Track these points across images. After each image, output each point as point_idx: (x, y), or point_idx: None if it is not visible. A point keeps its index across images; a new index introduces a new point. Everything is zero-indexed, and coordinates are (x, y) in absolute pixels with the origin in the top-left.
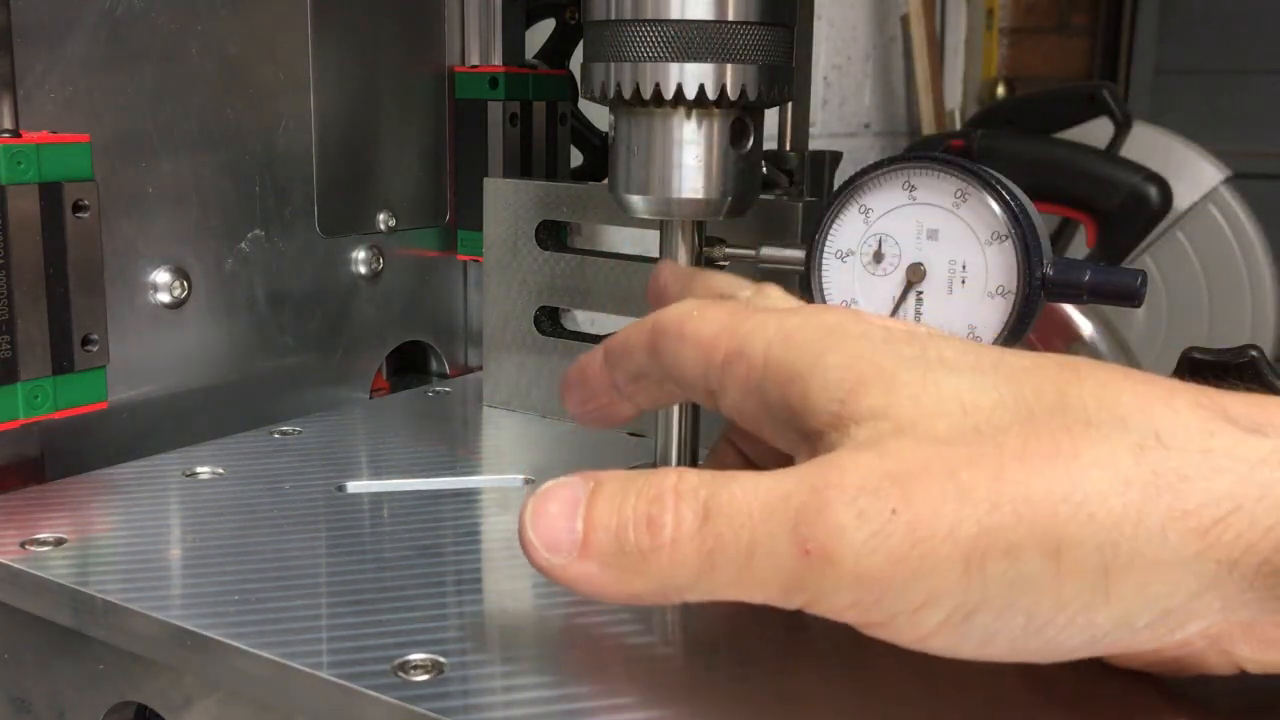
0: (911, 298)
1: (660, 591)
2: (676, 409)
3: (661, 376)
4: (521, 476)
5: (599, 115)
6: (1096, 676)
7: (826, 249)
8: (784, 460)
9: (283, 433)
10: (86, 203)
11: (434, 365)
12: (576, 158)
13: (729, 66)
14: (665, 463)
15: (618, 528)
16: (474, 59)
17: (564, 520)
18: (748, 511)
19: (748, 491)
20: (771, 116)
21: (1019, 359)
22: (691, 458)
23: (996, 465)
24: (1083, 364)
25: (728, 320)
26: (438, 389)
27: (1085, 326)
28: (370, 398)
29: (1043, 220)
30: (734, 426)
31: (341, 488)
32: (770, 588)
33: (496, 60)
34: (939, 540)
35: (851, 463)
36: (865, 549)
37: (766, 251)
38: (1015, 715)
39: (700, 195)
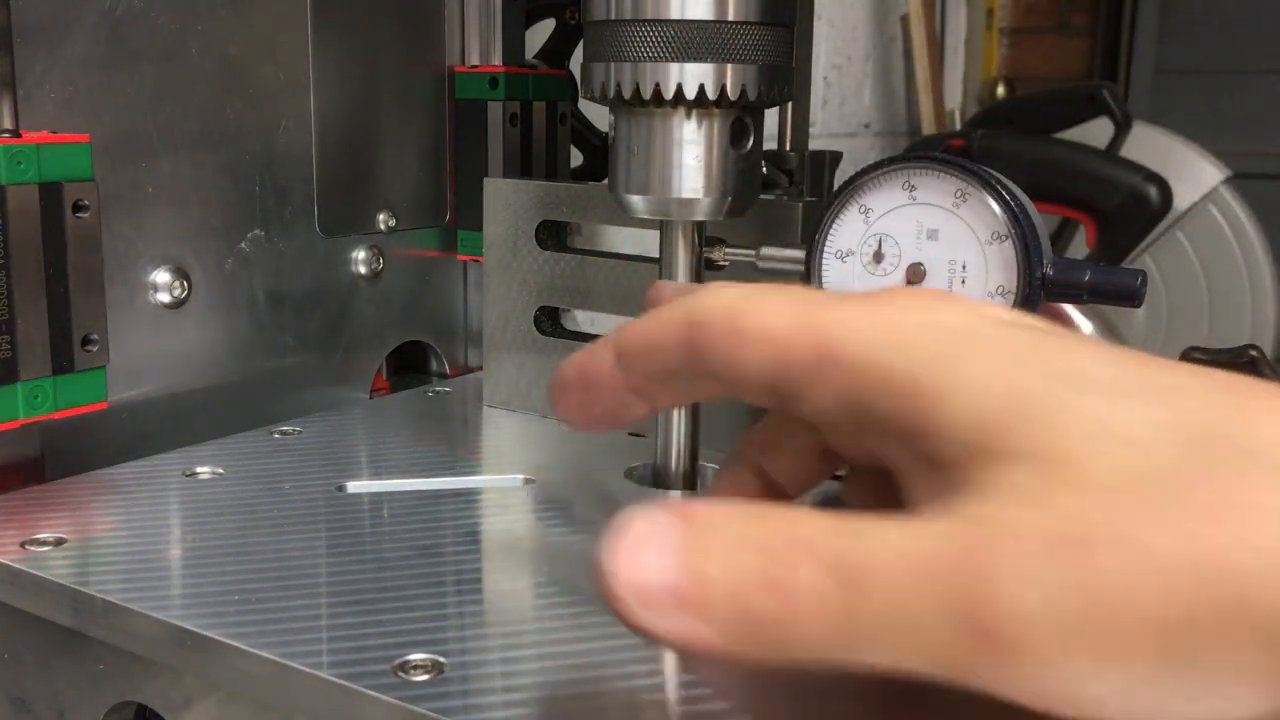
0: None
1: (793, 662)
2: (676, 408)
3: (702, 376)
4: (521, 476)
5: (599, 115)
6: None
7: (826, 249)
8: (816, 472)
9: (283, 433)
10: (86, 203)
11: (434, 365)
12: (576, 158)
13: (729, 66)
14: (665, 463)
15: (734, 587)
16: (474, 59)
17: (660, 571)
18: (889, 574)
19: (888, 548)
20: (771, 116)
21: (1160, 372)
22: (691, 458)
23: (1176, 521)
24: (1233, 383)
25: (801, 311)
26: (438, 389)
27: (1085, 326)
28: (370, 398)
29: (1043, 220)
30: (766, 436)
31: (341, 488)
32: (922, 664)
33: (496, 60)
34: (1132, 620)
35: (1015, 521)
36: (1044, 631)
37: (766, 251)
38: None
39: (700, 195)
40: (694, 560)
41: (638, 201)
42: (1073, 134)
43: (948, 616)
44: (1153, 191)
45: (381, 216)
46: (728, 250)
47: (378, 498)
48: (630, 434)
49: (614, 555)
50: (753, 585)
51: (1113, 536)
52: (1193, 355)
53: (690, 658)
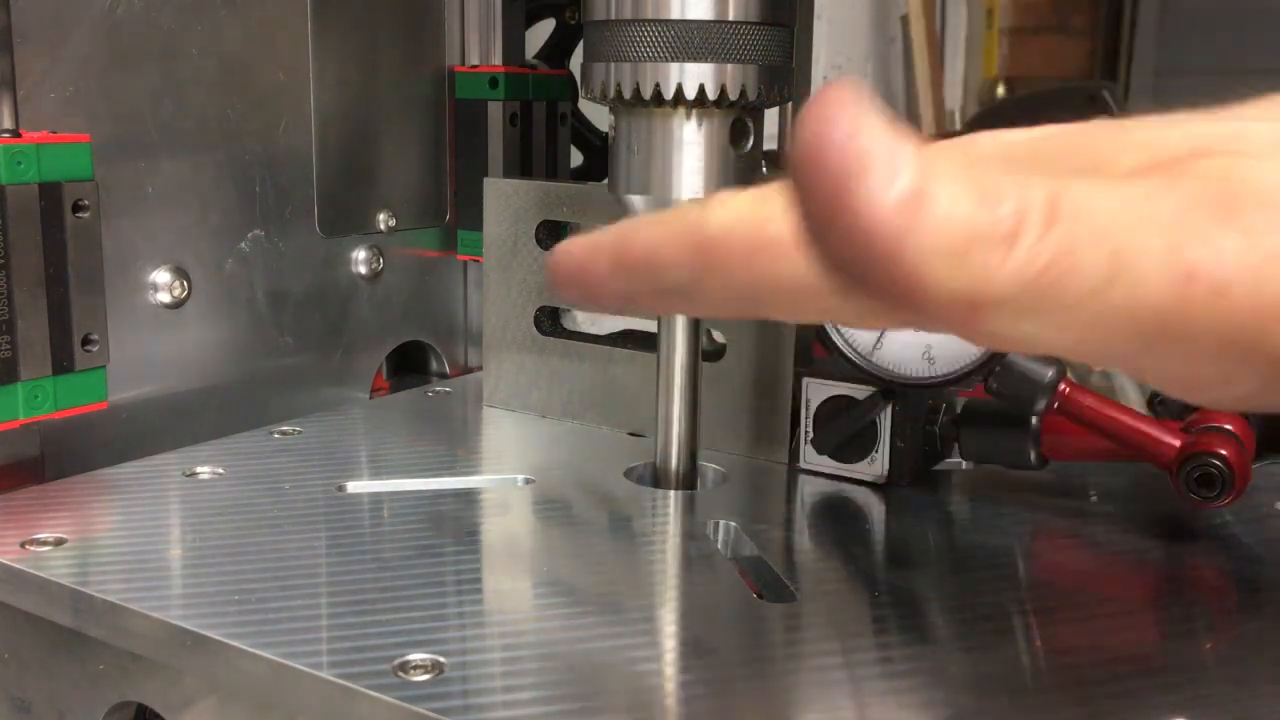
0: None
1: (975, 304)
2: (676, 406)
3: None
4: (521, 476)
5: (599, 115)
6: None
7: None
8: None
9: (283, 433)
10: (86, 203)
11: (434, 365)
12: (576, 158)
13: (729, 66)
14: (665, 463)
15: (957, 196)
16: (474, 59)
17: (888, 149)
18: (1111, 215)
19: (1099, 192)
20: (771, 116)
21: None
22: (691, 459)
23: None
24: None
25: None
26: (438, 389)
27: None
28: (370, 398)
29: None
30: None
31: (341, 488)
32: (1118, 329)
33: (496, 60)
34: None
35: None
36: (1263, 273)
37: None
38: (1009, 707)
39: (700, 195)
40: (927, 165)
41: (638, 201)
42: None
43: (1165, 264)
44: None
45: (381, 216)
46: None
47: (378, 498)
48: (630, 434)
49: (833, 121)
50: (976, 205)
51: None
52: None
53: (879, 275)
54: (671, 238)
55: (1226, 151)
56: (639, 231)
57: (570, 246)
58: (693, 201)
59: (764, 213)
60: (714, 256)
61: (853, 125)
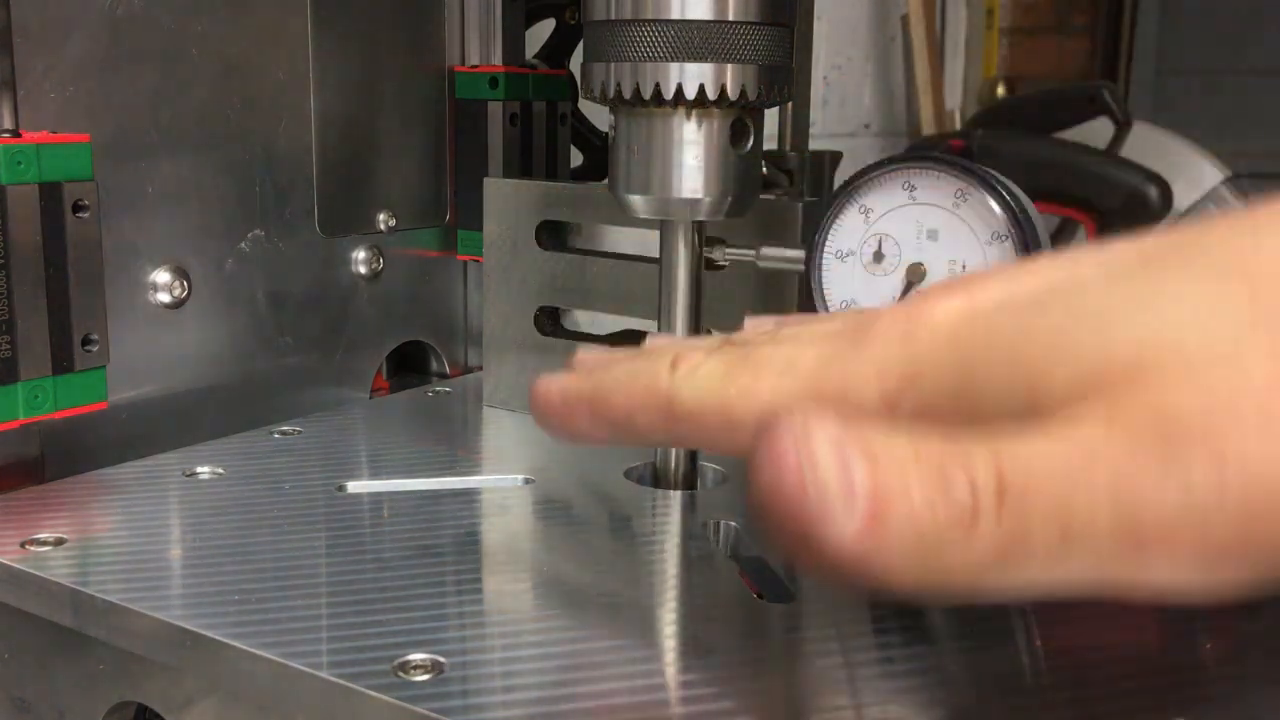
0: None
1: (945, 586)
2: None
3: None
4: (521, 476)
5: (599, 115)
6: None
7: (826, 249)
8: None
9: (283, 433)
10: (86, 203)
11: (434, 365)
12: (576, 158)
13: (729, 66)
14: (665, 463)
15: (912, 502)
16: (474, 59)
17: (839, 480)
18: (1051, 484)
19: (1040, 458)
20: (771, 116)
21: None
22: (691, 459)
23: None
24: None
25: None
26: (438, 389)
27: None
28: (370, 398)
29: (1043, 220)
30: None
31: (341, 488)
32: (1082, 576)
33: (496, 60)
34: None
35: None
36: (1206, 517)
37: (766, 251)
38: (1003, 702)
39: (700, 195)
40: (876, 474)
41: (638, 201)
42: (1073, 134)
43: (1110, 519)
44: (1153, 191)
45: (381, 216)
46: (728, 250)
47: (378, 498)
48: None
49: (785, 450)
50: (928, 502)
51: (1242, 411)
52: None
53: (856, 579)
54: (644, 406)
55: (1159, 370)
56: (614, 394)
57: (550, 389)
58: (656, 352)
59: (733, 390)
60: (686, 428)
61: (806, 461)
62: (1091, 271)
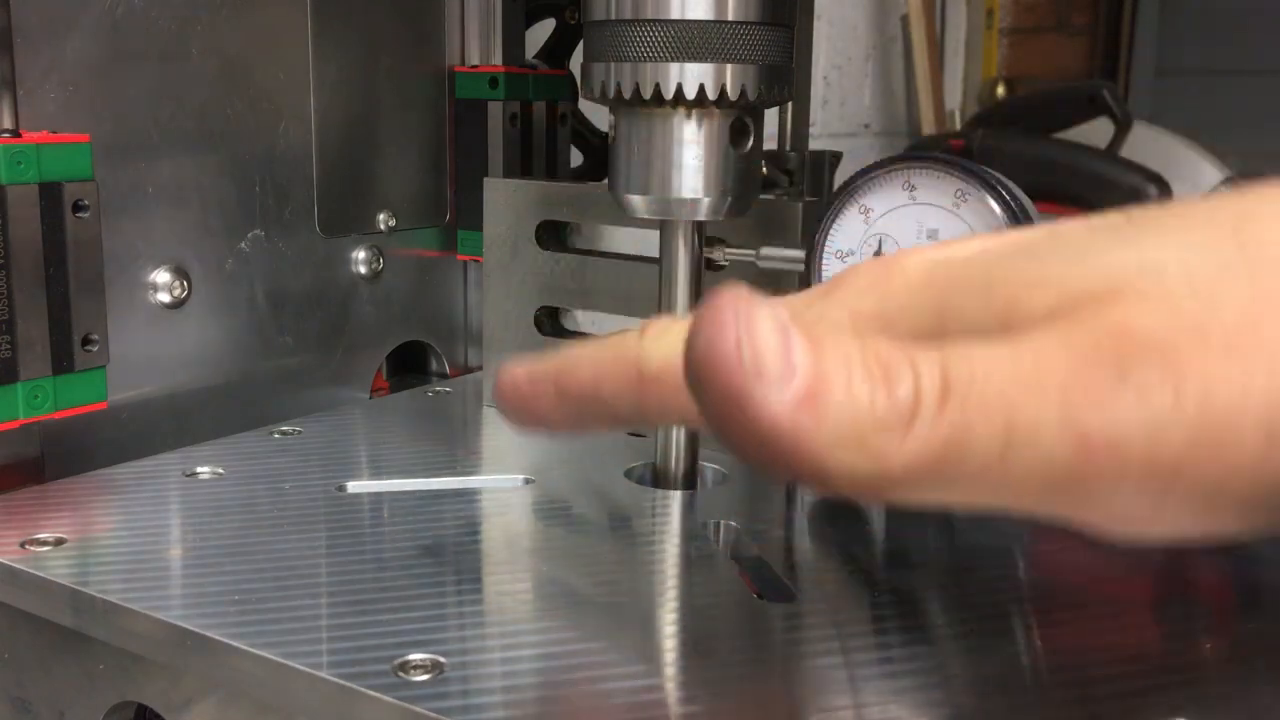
0: None
1: (880, 484)
2: None
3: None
4: (521, 476)
5: (599, 115)
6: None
7: (826, 249)
8: None
9: (283, 433)
10: (86, 203)
11: (434, 365)
12: (576, 158)
13: (729, 66)
14: (665, 463)
15: (852, 388)
16: (474, 59)
17: (778, 353)
18: (998, 387)
19: (991, 361)
20: (771, 116)
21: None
22: (691, 458)
23: (1254, 320)
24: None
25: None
26: (438, 389)
27: None
28: (370, 398)
29: (1043, 220)
30: None
31: (341, 488)
32: (1027, 490)
33: (496, 60)
34: (1236, 411)
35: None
36: (1157, 432)
37: (766, 251)
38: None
39: (700, 195)
40: (817, 354)
41: (638, 201)
42: (1073, 134)
43: (1058, 429)
44: (1153, 191)
45: (381, 216)
46: (728, 250)
47: (378, 498)
48: (630, 434)
49: (726, 321)
50: (866, 390)
51: (1209, 339)
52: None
53: (783, 459)
54: (612, 373)
55: (1134, 294)
56: (580, 365)
57: (514, 376)
58: (628, 330)
59: None
60: (653, 390)
61: (744, 329)
62: (1073, 227)
